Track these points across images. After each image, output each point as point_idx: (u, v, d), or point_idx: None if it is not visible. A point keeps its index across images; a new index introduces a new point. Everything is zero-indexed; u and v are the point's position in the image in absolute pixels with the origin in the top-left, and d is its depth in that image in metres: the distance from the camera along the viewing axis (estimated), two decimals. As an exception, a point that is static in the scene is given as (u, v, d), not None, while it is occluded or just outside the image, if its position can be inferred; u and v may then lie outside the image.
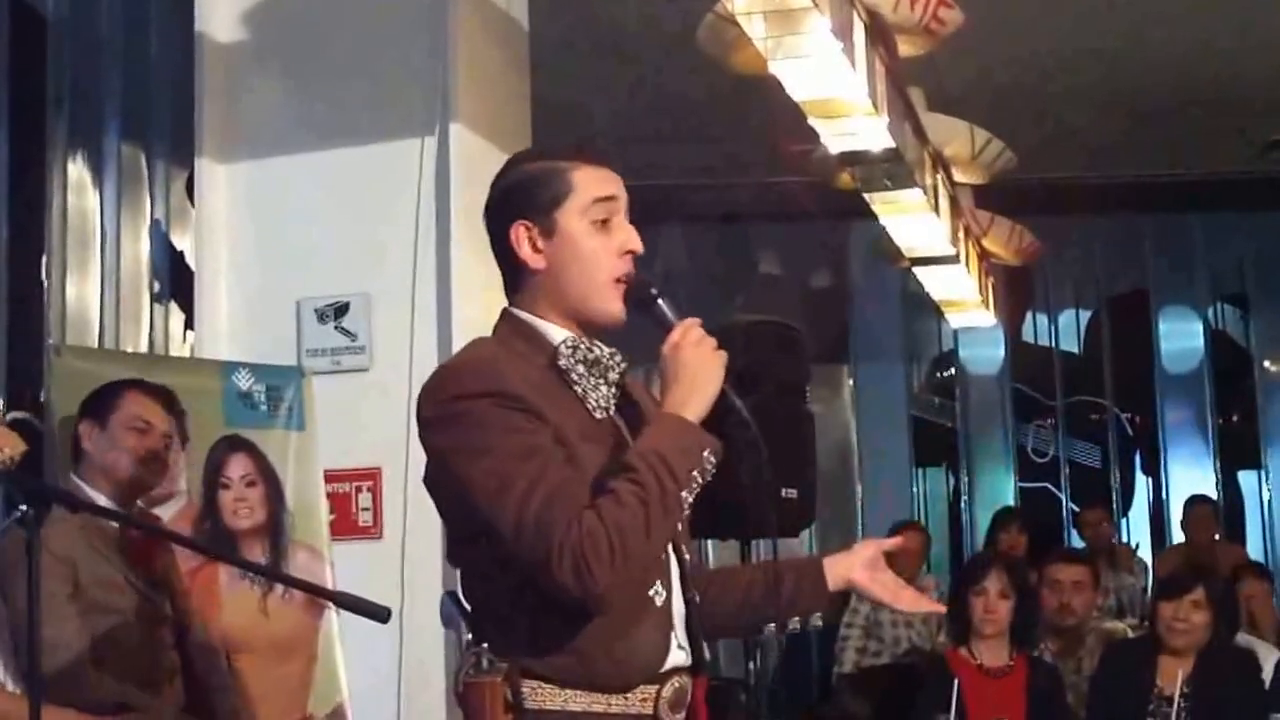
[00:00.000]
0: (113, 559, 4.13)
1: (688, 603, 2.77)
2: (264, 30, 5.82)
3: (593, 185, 2.74)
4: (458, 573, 2.78)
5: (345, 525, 5.43)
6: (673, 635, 2.72)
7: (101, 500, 4.16)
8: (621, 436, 2.73)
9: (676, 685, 2.72)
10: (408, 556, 5.33)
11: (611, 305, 2.74)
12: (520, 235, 2.74)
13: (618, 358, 2.75)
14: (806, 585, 2.95)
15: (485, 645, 2.65)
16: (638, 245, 2.76)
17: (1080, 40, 8.52)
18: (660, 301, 2.75)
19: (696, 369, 2.66)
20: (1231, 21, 8.34)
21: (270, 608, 5.02)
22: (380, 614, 3.04)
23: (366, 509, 5.47)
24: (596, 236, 2.73)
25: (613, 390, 2.74)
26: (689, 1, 5.98)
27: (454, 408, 2.62)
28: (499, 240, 2.78)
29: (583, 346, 2.72)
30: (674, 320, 2.72)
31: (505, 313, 2.81)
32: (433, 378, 2.70)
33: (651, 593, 2.68)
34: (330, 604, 4.88)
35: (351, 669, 5.18)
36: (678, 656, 2.73)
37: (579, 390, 2.70)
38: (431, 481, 2.73)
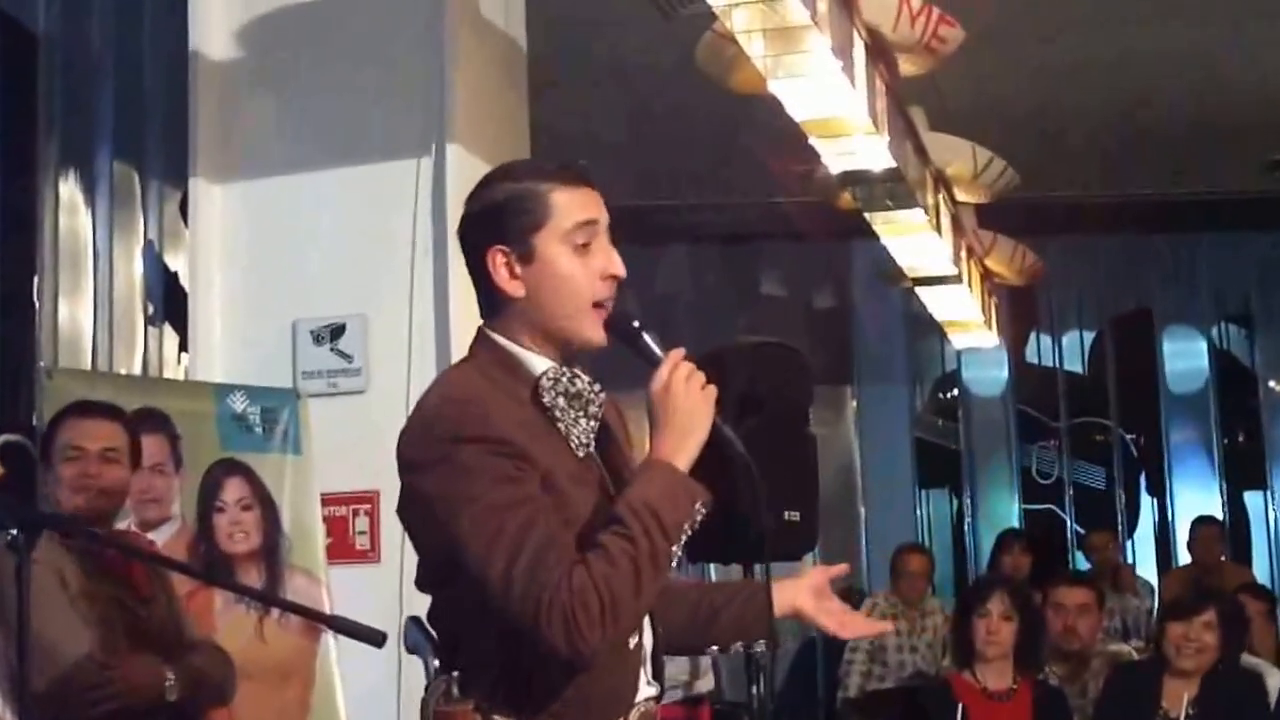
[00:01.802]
0: (98, 576, 4.10)
1: (655, 636, 2.75)
2: (259, 49, 5.82)
3: (574, 209, 2.66)
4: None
5: (342, 549, 5.41)
6: (643, 672, 2.71)
7: None
8: (601, 475, 2.68)
9: (643, 710, 2.70)
10: (406, 580, 5.28)
11: (590, 331, 2.67)
12: (497, 261, 2.67)
13: (597, 388, 2.68)
14: (752, 611, 2.90)
15: (455, 674, 2.63)
16: (619, 269, 2.69)
17: (1084, 60, 8.53)
18: (644, 335, 2.69)
19: (688, 413, 2.61)
20: (1235, 42, 8.34)
21: (267, 632, 5.01)
22: (376, 638, 3.03)
23: (364, 532, 5.46)
24: (576, 261, 2.65)
25: (592, 424, 2.67)
26: (688, 21, 5.99)
27: (439, 451, 2.55)
28: (474, 261, 2.71)
29: (564, 379, 2.65)
30: (659, 354, 2.66)
31: (482, 335, 2.74)
32: (415, 417, 2.63)
33: (630, 640, 2.66)
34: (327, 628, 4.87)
35: (349, 693, 5.16)
36: (646, 691, 2.72)
37: (562, 428, 2.63)
38: (407, 518, 2.69)
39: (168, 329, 6.93)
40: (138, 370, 6.73)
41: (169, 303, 6.88)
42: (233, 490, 5.10)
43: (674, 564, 2.60)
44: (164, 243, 7.11)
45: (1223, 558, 10.02)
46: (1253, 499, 11.90)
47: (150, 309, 6.90)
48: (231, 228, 5.79)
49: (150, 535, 4.69)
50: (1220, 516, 10.98)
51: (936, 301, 8.71)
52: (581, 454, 2.64)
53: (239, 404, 5.21)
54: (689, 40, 6.17)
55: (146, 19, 7.09)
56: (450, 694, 2.61)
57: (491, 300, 2.72)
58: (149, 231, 7.01)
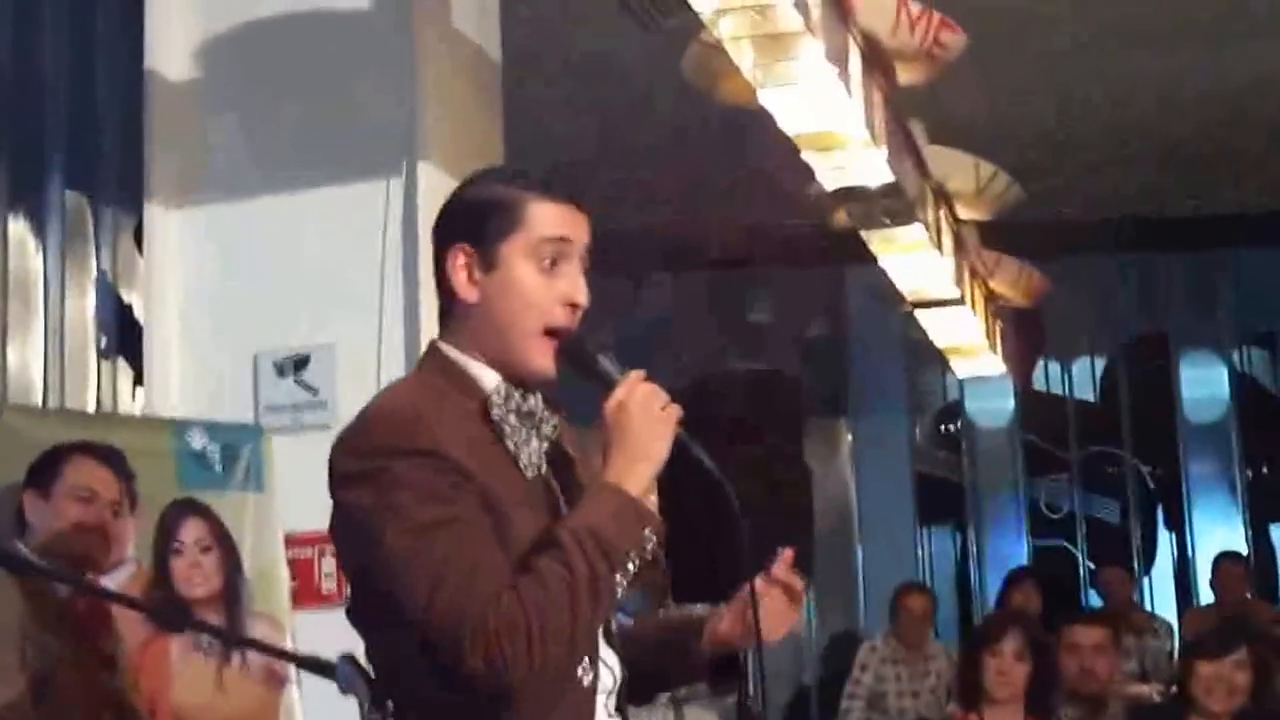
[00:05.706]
0: (59, 632, 4.12)
1: (619, 675, 2.71)
2: (218, 69, 5.83)
3: (548, 222, 2.65)
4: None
5: (308, 593, 5.41)
6: (603, 713, 2.66)
7: None
8: (555, 499, 2.65)
9: None
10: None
11: (538, 359, 2.64)
12: (457, 262, 2.66)
13: (551, 408, 2.67)
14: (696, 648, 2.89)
15: (389, 712, 2.57)
16: (580, 296, 2.65)
17: (1095, 73, 8.57)
18: (600, 357, 2.66)
19: (640, 432, 2.57)
20: (1250, 56, 8.39)
21: (227, 682, 4.99)
22: (343, 676, 3.02)
23: (330, 575, 5.45)
24: (539, 278, 2.63)
25: (544, 445, 2.65)
26: (673, 35, 5.99)
27: (371, 464, 2.55)
28: (438, 261, 2.71)
29: (515, 395, 2.63)
30: (618, 377, 2.63)
31: (432, 348, 2.73)
32: (351, 427, 2.63)
33: (579, 671, 2.60)
34: (291, 678, 4.87)
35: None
36: None
37: (510, 445, 2.61)
38: (338, 537, 2.67)
39: (122, 363, 6.90)
40: (91, 407, 6.72)
41: (123, 336, 6.86)
42: (191, 531, 5.08)
43: (618, 593, 2.54)
44: (118, 273, 7.09)
45: (1248, 595, 10.02)
46: (1279, 533, 11.91)
47: (104, 343, 6.87)
48: (189, 256, 5.79)
49: (104, 579, 4.69)
50: (1244, 552, 10.98)
51: (937, 326, 8.70)
52: (530, 474, 2.62)
53: (198, 440, 5.20)
54: (673, 55, 6.18)
55: (99, 38, 7.08)
56: None
57: (447, 306, 2.71)
58: (102, 262, 7.00)
